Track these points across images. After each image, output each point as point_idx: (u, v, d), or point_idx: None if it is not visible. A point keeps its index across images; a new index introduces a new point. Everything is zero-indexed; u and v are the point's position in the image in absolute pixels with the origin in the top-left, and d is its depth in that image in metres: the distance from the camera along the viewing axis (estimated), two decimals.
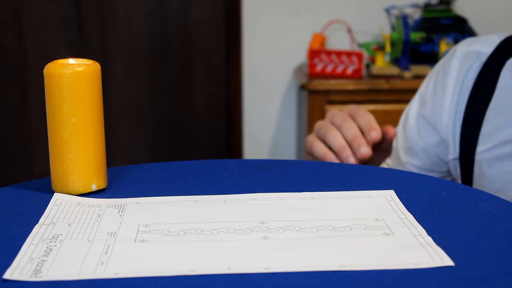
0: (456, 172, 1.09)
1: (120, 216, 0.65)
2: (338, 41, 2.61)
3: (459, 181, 1.09)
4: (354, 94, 2.27)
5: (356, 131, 0.95)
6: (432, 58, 2.38)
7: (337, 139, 0.96)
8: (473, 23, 2.54)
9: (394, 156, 1.18)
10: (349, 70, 2.33)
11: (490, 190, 1.00)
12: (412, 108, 1.15)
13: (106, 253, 0.56)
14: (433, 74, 1.12)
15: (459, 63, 1.07)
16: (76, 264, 0.53)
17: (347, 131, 0.95)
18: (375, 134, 0.93)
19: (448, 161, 1.10)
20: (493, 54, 1.04)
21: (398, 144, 1.16)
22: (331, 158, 0.97)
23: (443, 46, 2.33)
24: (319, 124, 1.01)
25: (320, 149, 0.98)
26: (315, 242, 0.58)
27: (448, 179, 1.16)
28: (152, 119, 2.69)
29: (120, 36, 2.61)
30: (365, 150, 0.92)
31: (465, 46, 1.09)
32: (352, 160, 0.93)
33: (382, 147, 1.00)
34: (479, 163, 1.02)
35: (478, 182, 1.03)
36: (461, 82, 1.06)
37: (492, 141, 1.01)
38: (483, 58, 1.05)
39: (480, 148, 1.02)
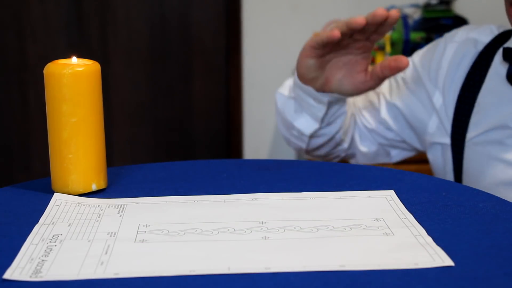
0: (437, 157, 1.10)
1: (120, 216, 0.65)
2: None
3: (440, 167, 1.10)
4: None
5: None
6: None
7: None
8: (473, 23, 2.54)
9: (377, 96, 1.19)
10: None
11: (473, 172, 1.01)
12: (408, 72, 1.14)
13: (106, 253, 0.56)
14: (430, 51, 1.12)
15: (456, 49, 1.07)
16: (76, 264, 0.53)
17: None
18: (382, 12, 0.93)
19: (430, 144, 1.10)
20: (489, 44, 1.04)
21: (391, 90, 1.17)
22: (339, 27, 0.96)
23: None
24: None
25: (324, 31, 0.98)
26: (315, 242, 0.58)
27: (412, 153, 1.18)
28: (152, 119, 2.68)
29: (120, 36, 2.61)
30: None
31: (465, 32, 1.09)
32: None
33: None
34: (469, 148, 1.03)
35: (467, 166, 1.04)
36: (454, 70, 1.06)
37: (482, 127, 1.01)
38: (480, 47, 1.05)
39: (470, 134, 1.03)
